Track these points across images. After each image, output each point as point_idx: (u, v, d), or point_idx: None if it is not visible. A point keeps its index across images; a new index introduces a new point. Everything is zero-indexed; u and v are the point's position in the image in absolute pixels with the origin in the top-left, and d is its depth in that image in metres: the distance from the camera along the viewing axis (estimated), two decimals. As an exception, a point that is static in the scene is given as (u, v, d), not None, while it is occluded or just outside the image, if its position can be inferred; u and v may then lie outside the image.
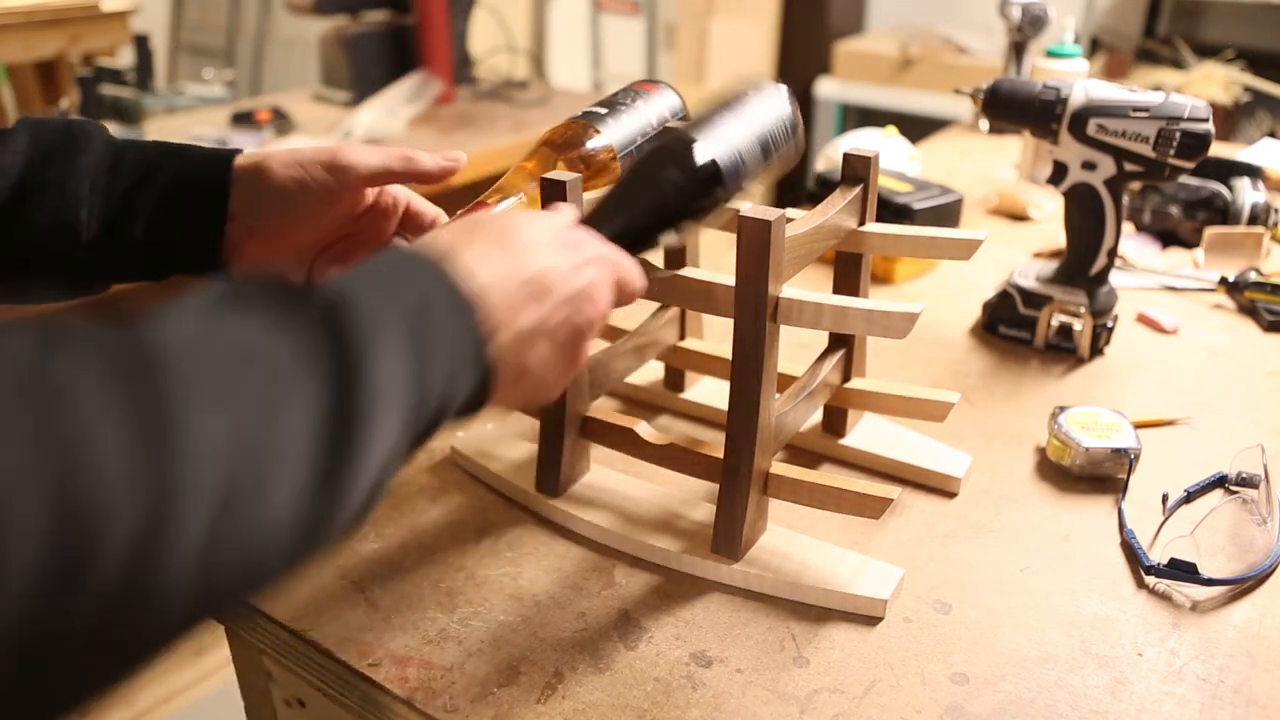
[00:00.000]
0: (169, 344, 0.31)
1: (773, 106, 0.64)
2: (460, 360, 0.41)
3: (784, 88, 0.66)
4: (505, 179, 0.66)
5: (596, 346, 0.74)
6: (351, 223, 0.63)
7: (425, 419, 0.39)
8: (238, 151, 0.59)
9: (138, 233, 0.57)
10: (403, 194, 0.65)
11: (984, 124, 1.75)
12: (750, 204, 0.63)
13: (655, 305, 0.83)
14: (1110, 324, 0.96)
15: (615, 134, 0.70)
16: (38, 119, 0.57)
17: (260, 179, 0.58)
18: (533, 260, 0.46)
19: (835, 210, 0.69)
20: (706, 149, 0.58)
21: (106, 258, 0.57)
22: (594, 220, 0.55)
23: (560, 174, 0.63)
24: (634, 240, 0.56)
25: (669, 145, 0.58)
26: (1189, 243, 1.24)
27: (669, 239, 0.59)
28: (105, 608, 0.28)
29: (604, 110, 0.71)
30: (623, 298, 0.52)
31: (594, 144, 0.69)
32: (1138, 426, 0.80)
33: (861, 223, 0.73)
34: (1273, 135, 2.34)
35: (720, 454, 0.66)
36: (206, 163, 0.58)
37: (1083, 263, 0.95)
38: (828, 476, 0.66)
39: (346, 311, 0.36)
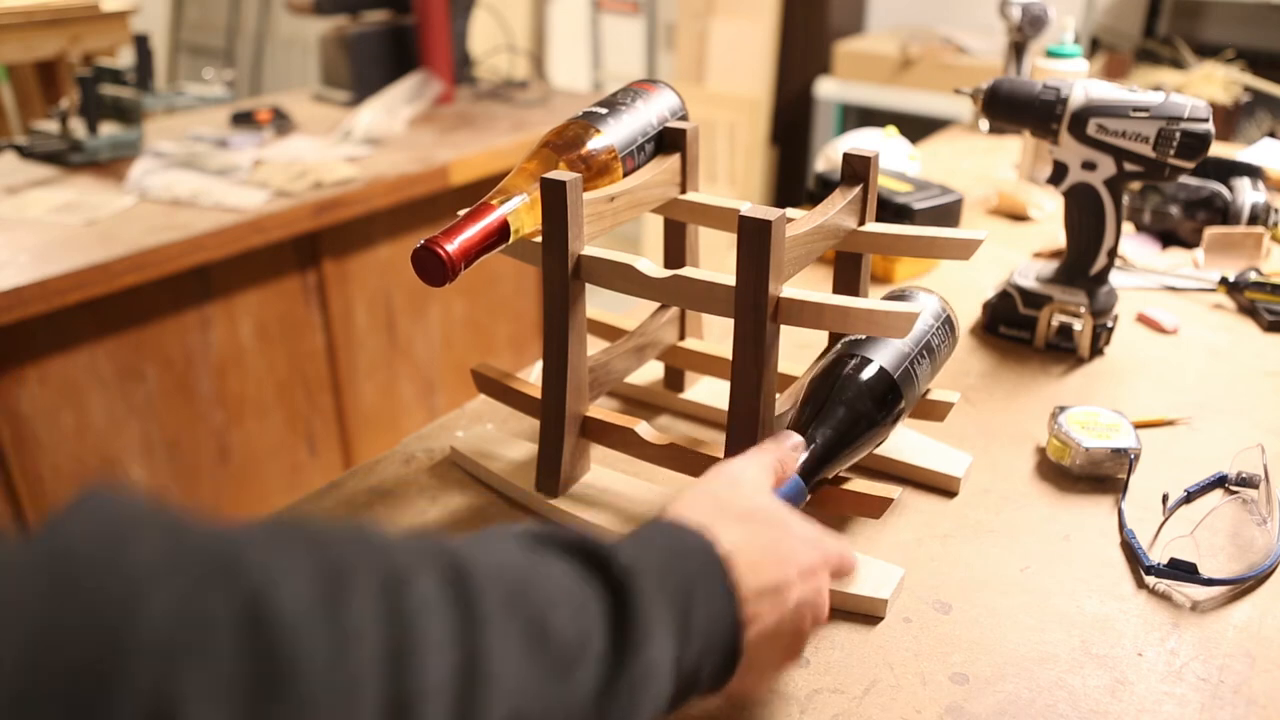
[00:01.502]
0: (493, 579, 0.35)
1: (932, 313, 0.71)
2: (716, 644, 0.44)
3: (935, 293, 0.73)
4: (508, 180, 0.66)
5: (596, 346, 0.74)
6: None
7: (676, 693, 0.42)
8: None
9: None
10: None
11: (984, 124, 1.75)
12: (750, 204, 0.63)
13: (655, 305, 0.83)
14: (1110, 324, 0.96)
15: (616, 134, 0.70)
16: None
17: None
18: (778, 567, 0.47)
19: (835, 210, 0.69)
20: (891, 371, 0.65)
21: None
22: (811, 469, 0.61)
23: (560, 174, 0.64)
24: (828, 468, 0.62)
25: (872, 384, 0.64)
26: (1189, 243, 1.24)
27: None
28: None
29: (604, 110, 0.71)
30: (837, 577, 0.54)
31: (595, 144, 0.69)
32: (1138, 426, 0.80)
33: (861, 223, 0.73)
34: (1273, 135, 2.34)
35: (720, 454, 0.65)
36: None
37: (1083, 263, 0.95)
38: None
39: (634, 594, 0.40)
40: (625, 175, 0.72)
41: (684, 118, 0.76)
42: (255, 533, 0.30)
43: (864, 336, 0.67)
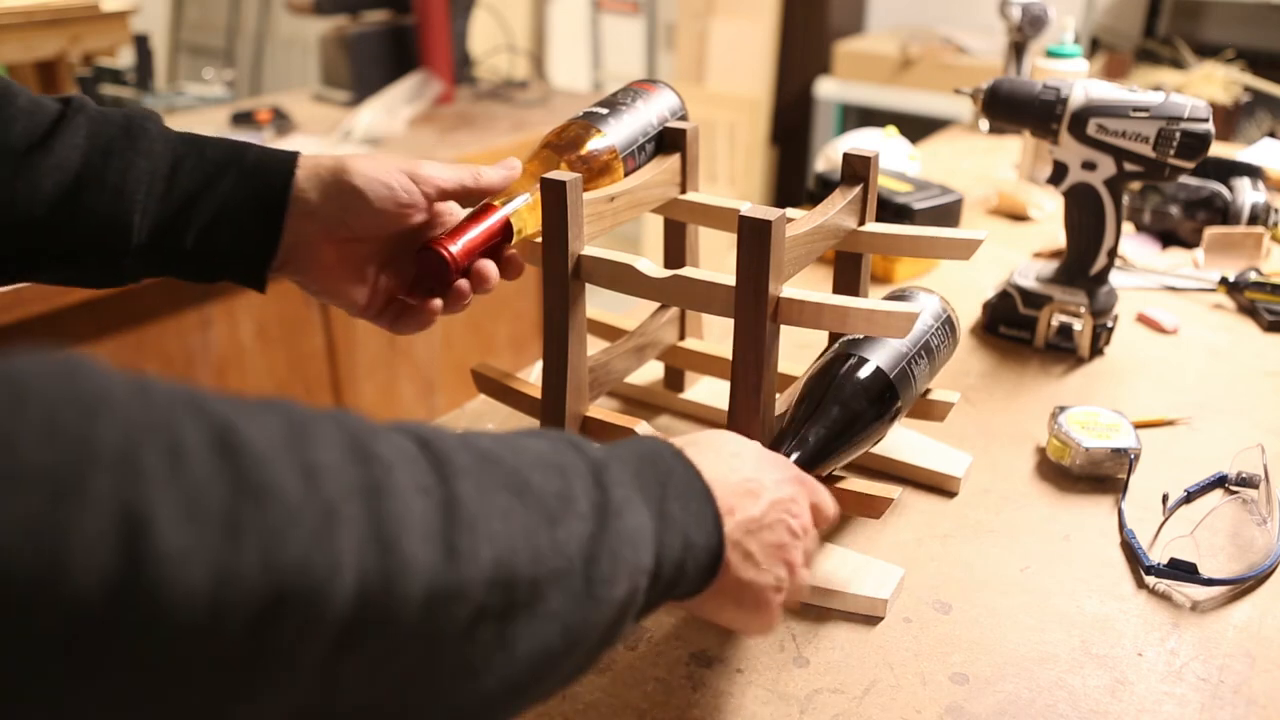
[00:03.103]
0: (461, 440, 0.36)
1: (932, 314, 0.71)
2: (697, 535, 0.45)
3: (936, 294, 0.73)
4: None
5: (596, 346, 0.74)
6: (412, 233, 0.63)
7: (660, 581, 0.43)
8: (297, 156, 0.58)
9: (189, 243, 0.57)
10: (451, 208, 0.65)
11: (984, 124, 1.75)
12: (750, 204, 0.63)
13: (655, 305, 0.83)
14: (1110, 324, 0.96)
15: (617, 134, 0.70)
16: (95, 106, 0.56)
17: (344, 182, 0.57)
18: (745, 466, 0.50)
19: (835, 210, 0.69)
20: (888, 371, 0.65)
21: (154, 261, 0.57)
22: (790, 446, 0.61)
23: (560, 174, 0.64)
24: (822, 465, 0.62)
25: (868, 384, 0.64)
26: (1189, 243, 1.24)
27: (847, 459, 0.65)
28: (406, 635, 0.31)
29: (605, 110, 0.71)
30: (818, 520, 0.54)
31: (596, 145, 0.69)
32: (1138, 426, 0.80)
33: (861, 223, 0.73)
34: (1273, 135, 2.34)
35: (720, 454, 0.65)
36: (268, 176, 0.57)
37: (1083, 263, 0.95)
38: (828, 476, 0.66)
39: (609, 471, 0.41)
40: (626, 175, 0.72)
41: (684, 117, 0.76)
42: (221, 394, 0.31)
43: (862, 336, 0.67)
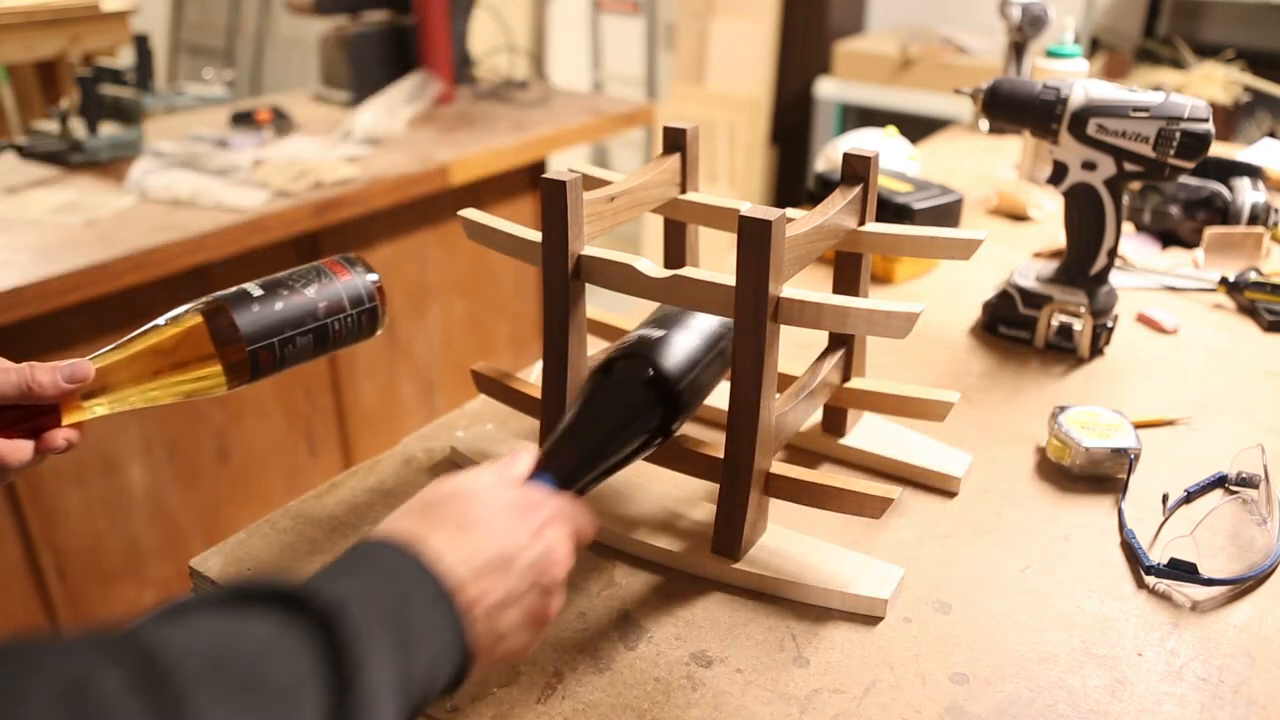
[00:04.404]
0: (185, 653, 0.35)
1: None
2: (442, 650, 0.45)
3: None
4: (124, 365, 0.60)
5: (596, 346, 0.74)
6: None
7: (412, 706, 0.43)
8: None
9: None
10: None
11: (984, 124, 1.75)
12: (750, 204, 0.63)
13: (655, 305, 0.83)
14: (1110, 324, 0.96)
15: (253, 323, 0.63)
16: None
17: None
18: (493, 538, 0.49)
19: (835, 210, 0.69)
20: (670, 368, 0.61)
21: None
22: (549, 463, 0.56)
23: (560, 174, 0.63)
24: (592, 473, 0.58)
25: (629, 374, 0.60)
26: (1189, 243, 1.24)
27: (625, 464, 0.60)
28: None
29: (259, 292, 0.64)
30: (579, 547, 0.54)
31: (225, 333, 0.62)
32: (1138, 426, 0.80)
33: (861, 223, 0.73)
34: (1273, 135, 2.34)
35: (720, 454, 0.66)
36: None
37: (1083, 263, 0.95)
38: (828, 476, 0.66)
39: (342, 625, 0.40)
40: (257, 372, 0.63)
41: (373, 310, 0.68)
42: None
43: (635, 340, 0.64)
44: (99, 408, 0.60)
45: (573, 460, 0.57)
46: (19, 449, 0.57)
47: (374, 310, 0.67)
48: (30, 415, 0.58)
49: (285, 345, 0.64)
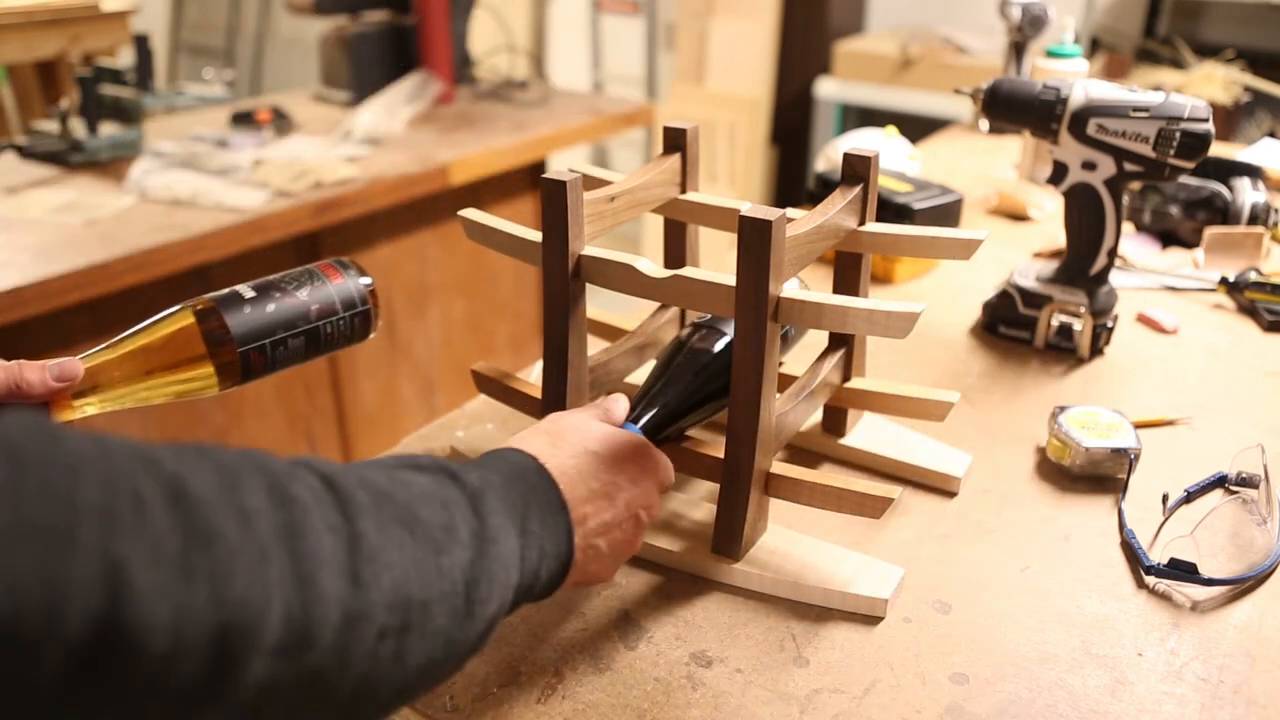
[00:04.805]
0: (360, 483, 0.41)
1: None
2: (550, 551, 0.52)
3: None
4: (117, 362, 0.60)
5: (596, 346, 0.74)
6: None
7: (520, 591, 0.49)
8: None
9: None
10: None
11: (984, 124, 1.75)
12: (750, 204, 0.63)
13: (655, 305, 0.83)
14: (1110, 324, 0.96)
15: (244, 324, 0.63)
16: None
17: None
18: (601, 469, 0.56)
19: (835, 210, 0.69)
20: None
21: None
22: (637, 413, 0.65)
23: (560, 174, 0.63)
24: (672, 427, 0.67)
25: (705, 343, 0.68)
26: (1189, 243, 1.24)
27: (698, 422, 0.69)
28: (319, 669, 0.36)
29: (250, 294, 0.64)
30: (663, 491, 0.62)
31: (217, 334, 0.61)
32: (1138, 426, 0.80)
33: (861, 223, 0.73)
34: (1273, 135, 2.34)
35: (720, 454, 0.66)
36: None
37: (1083, 263, 0.95)
38: (828, 476, 0.66)
39: (484, 501, 0.47)
40: (247, 374, 0.63)
41: (366, 313, 0.68)
42: (160, 446, 0.35)
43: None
44: (89, 407, 0.60)
45: (658, 413, 0.66)
46: None
47: (366, 314, 0.68)
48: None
49: (277, 347, 0.64)
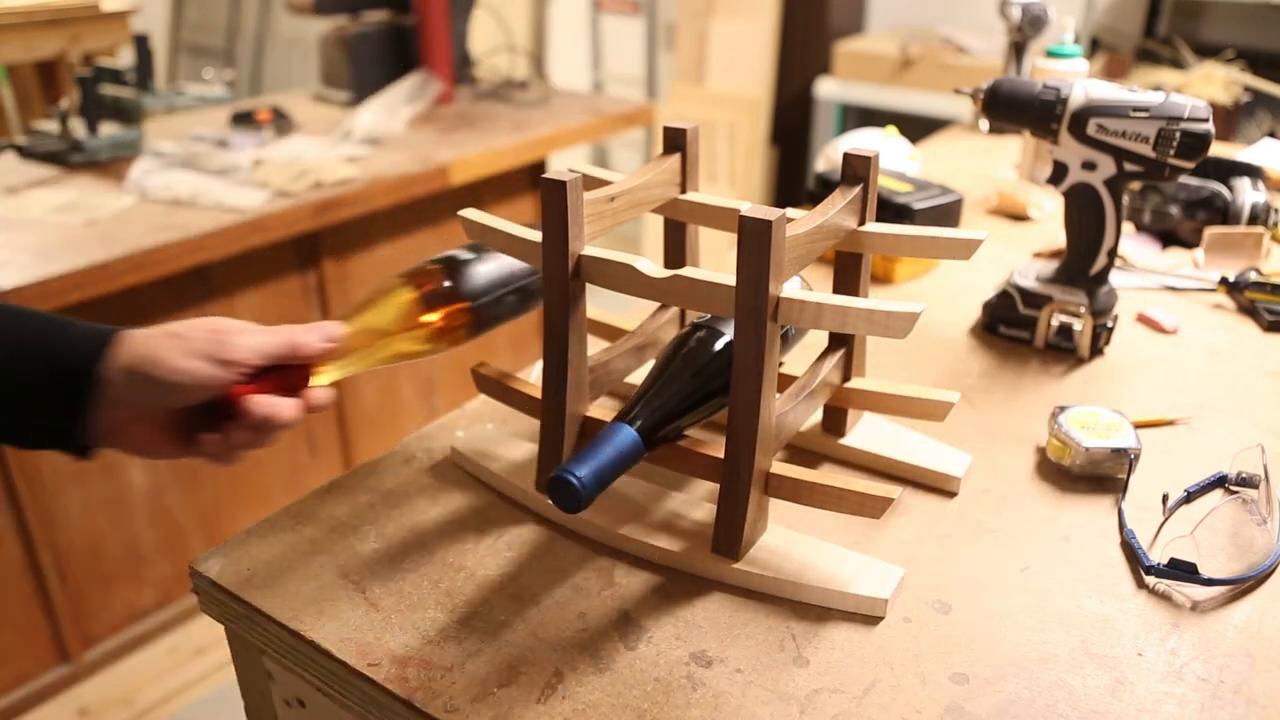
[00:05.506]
0: None
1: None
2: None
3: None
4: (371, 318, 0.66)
5: (596, 346, 0.74)
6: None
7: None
8: (107, 346, 0.58)
9: (2, 421, 0.57)
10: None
11: (984, 124, 1.75)
12: (750, 204, 0.63)
13: (655, 305, 0.83)
14: (1110, 324, 0.96)
15: (470, 283, 0.68)
16: None
17: (150, 375, 0.57)
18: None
19: (835, 210, 0.69)
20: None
21: None
22: (638, 414, 0.64)
23: (560, 174, 0.64)
24: (671, 424, 0.66)
25: (705, 341, 0.68)
26: (1189, 243, 1.24)
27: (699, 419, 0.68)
28: None
29: (469, 255, 0.68)
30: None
31: (448, 294, 0.66)
32: (1138, 426, 0.80)
33: (861, 223, 0.73)
34: (1273, 135, 2.34)
35: (720, 454, 0.66)
36: (75, 363, 0.57)
37: (1083, 263, 0.95)
38: (828, 476, 0.66)
39: None
40: (475, 328, 0.68)
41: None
42: None
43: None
44: (336, 371, 0.64)
45: (656, 412, 0.65)
46: (291, 405, 0.60)
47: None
48: (287, 377, 0.61)
49: (498, 303, 0.70)
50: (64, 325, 0.58)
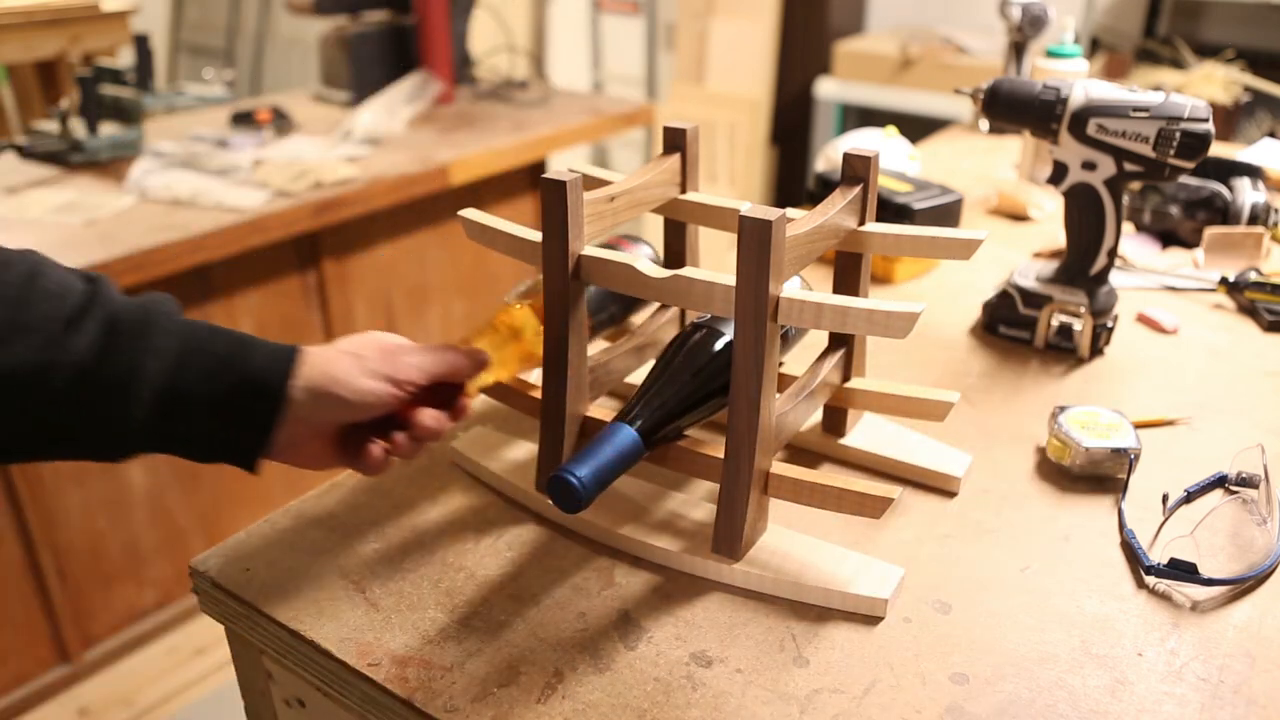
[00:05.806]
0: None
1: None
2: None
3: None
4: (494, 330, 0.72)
5: (596, 346, 0.74)
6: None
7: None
8: (293, 365, 0.60)
9: (182, 433, 0.59)
10: None
11: (984, 124, 1.75)
12: (750, 204, 0.63)
13: (655, 305, 0.83)
14: (1110, 324, 0.96)
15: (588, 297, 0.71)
16: (115, 295, 0.59)
17: (333, 395, 0.60)
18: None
19: (835, 210, 0.69)
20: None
21: (148, 446, 0.59)
22: (638, 414, 0.65)
23: (560, 174, 0.64)
24: (671, 424, 0.67)
25: (704, 341, 0.68)
26: (1189, 243, 1.24)
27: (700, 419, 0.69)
28: None
29: None
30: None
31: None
32: (1138, 426, 0.80)
33: (861, 223, 0.73)
34: (1273, 135, 2.34)
35: (720, 454, 0.66)
36: (266, 380, 0.59)
37: (1083, 263, 0.95)
38: (828, 476, 0.66)
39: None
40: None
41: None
42: None
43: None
44: (474, 388, 0.69)
45: (656, 412, 0.66)
46: (445, 420, 0.65)
47: None
48: (440, 391, 0.66)
49: (607, 316, 0.77)
50: (251, 343, 0.60)
